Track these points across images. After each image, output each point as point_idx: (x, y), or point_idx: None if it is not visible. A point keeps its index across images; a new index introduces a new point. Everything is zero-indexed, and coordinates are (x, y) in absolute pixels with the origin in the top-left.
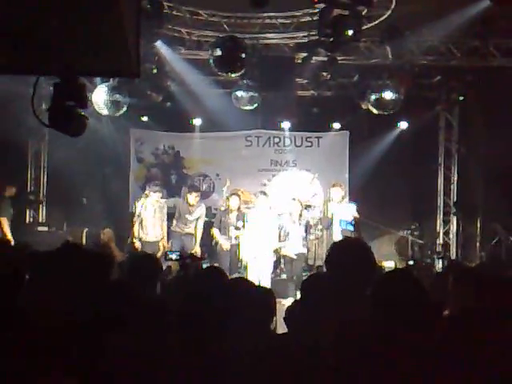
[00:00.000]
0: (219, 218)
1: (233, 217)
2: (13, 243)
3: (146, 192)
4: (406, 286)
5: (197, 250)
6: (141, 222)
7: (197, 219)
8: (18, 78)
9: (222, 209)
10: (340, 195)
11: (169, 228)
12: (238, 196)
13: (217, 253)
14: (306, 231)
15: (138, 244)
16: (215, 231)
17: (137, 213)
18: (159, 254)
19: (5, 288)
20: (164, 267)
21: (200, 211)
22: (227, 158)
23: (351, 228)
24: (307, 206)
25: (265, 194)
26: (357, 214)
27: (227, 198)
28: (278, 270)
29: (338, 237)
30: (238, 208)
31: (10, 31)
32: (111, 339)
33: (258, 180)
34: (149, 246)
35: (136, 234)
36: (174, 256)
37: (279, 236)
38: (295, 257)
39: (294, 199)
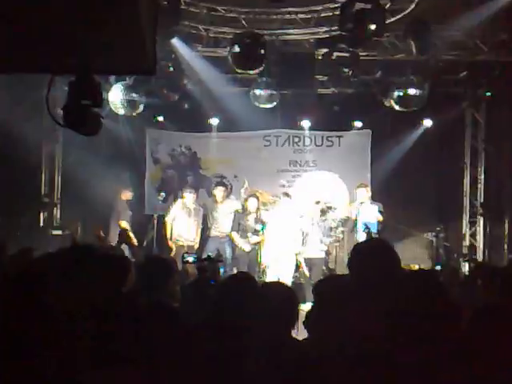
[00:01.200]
0: (237, 221)
1: (251, 219)
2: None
3: (183, 194)
4: (428, 289)
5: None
6: (174, 225)
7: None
8: (31, 77)
9: (240, 211)
10: (366, 196)
11: (206, 232)
12: (257, 197)
13: (235, 256)
14: (325, 234)
15: (172, 246)
16: (234, 234)
17: (171, 215)
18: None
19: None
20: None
21: (231, 205)
22: (245, 159)
23: (375, 230)
24: (328, 208)
25: (288, 195)
26: (380, 216)
27: (245, 200)
28: (297, 274)
29: (361, 239)
30: (257, 210)
31: (25, 29)
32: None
33: (276, 181)
34: (181, 250)
35: (169, 236)
36: (190, 258)
37: (303, 239)
38: (314, 260)
39: (318, 202)
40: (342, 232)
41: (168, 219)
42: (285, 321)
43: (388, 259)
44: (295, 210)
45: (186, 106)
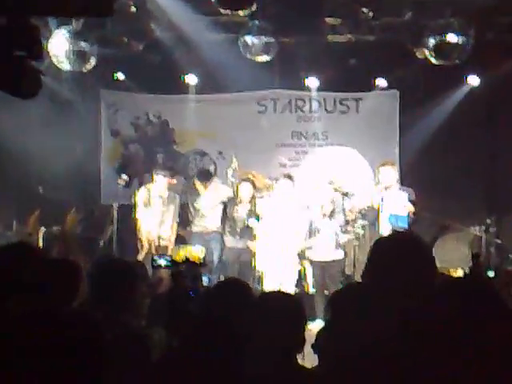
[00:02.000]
0: (223, 212)
1: (242, 210)
2: None
3: (153, 177)
4: (478, 305)
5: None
6: (143, 218)
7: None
8: None
9: (227, 199)
10: (393, 178)
11: (187, 228)
12: (252, 183)
13: (222, 258)
14: (342, 229)
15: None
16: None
17: (138, 206)
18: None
19: None
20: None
21: (218, 192)
22: (233, 130)
23: (404, 224)
24: (344, 194)
25: (289, 177)
26: (411, 206)
27: (237, 186)
28: (304, 282)
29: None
30: (251, 199)
31: None
32: None
33: (275, 159)
34: (152, 252)
35: (139, 233)
36: (163, 262)
37: (309, 234)
38: (328, 264)
39: (330, 183)
40: (363, 227)
41: (137, 214)
42: (289, 344)
43: (420, 261)
44: (299, 198)
45: (154, 59)
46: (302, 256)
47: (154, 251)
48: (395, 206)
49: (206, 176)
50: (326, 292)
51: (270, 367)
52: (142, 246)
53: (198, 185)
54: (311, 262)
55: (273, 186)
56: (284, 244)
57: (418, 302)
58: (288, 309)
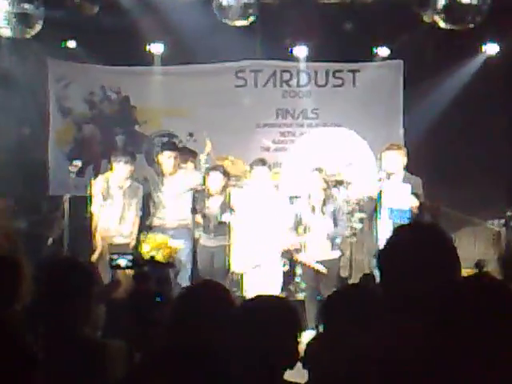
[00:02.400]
0: (195, 204)
1: (214, 204)
2: None
3: (112, 164)
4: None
5: None
6: (99, 213)
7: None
8: None
9: (195, 188)
10: (397, 165)
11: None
12: (223, 172)
13: (192, 259)
14: (336, 223)
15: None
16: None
17: (94, 198)
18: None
19: None
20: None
21: (184, 181)
22: (206, 107)
23: (405, 220)
24: (338, 183)
25: (263, 163)
26: (414, 200)
27: (204, 176)
28: (292, 287)
29: (386, 232)
30: (223, 189)
31: None
32: None
33: (256, 142)
34: (109, 250)
35: (94, 230)
36: (122, 261)
37: (298, 230)
38: (319, 265)
39: (317, 170)
40: (361, 220)
41: (93, 207)
42: (280, 359)
43: (444, 257)
44: (285, 188)
45: (112, 23)
46: (286, 255)
47: (111, 250)
48: (396, 199)
49: (173, 147)
50: (319, 297)
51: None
52: (97, 244)
53: (163, 168)
54: (301, 264)
55: (247, 174)
56: (264, 242)
57: (439, 310)
58: (281, 316)
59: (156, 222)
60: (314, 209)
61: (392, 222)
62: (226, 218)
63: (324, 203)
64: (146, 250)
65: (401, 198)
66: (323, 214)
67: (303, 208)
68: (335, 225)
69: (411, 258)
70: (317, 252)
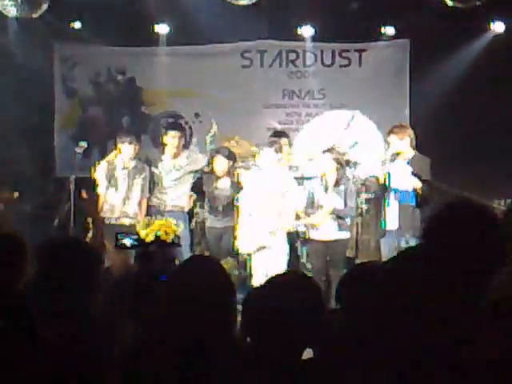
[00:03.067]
0: (200, 187)
1: (223, 185)
2: None
3: (118, 145)
4: None
5: None
6: (105, 194)
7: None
8: None
9: (199, 170)
10: (406, 145)
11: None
12: (226, 154)
13: (204, 238)
14: (345, 203)
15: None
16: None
17: (99, 179)
18: None
19: None
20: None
21: (190, 161)
22: (212, 88)
23: (411, 202)
24: (347, 163)
25: (273, 143)
26: (417, 182)
27: (211, 156)
28: (296, 267)
29: (394, 213)
30: (229, 171)
31: None
32: None
33: (262, 122)
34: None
35: (100, 211)
36: (128, 241)
37: (309, 210)
38: (328, 244)
39: (328, 151)
40: (367, 201)
41: (96, 183)
42: (304, 336)
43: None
44: (292, 168)
45: (118, 4)
46: (293, 236)
47: (117, 230)
48: (401, 180)
49: (178, 127)
50: (324, 278)
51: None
52: (101, 225)
53: (168, 148)
54: (308, 242)
55: (256, 155)
56: (271, 223)
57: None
58: (307, 293)
59: (154, 201)
60: (326, 189)
61: (398, 203)
62: (240, 200)
63: (337, 183)
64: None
65: (405, 179)
66: (336, 193)
67: (316, 188)
68: (345, 205)
69: (455, 232)
70: (327, 231)
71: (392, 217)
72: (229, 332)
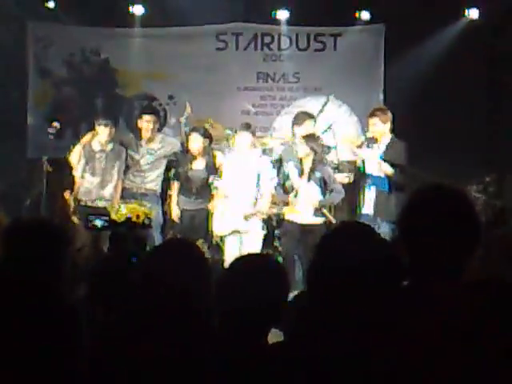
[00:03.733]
0: (175, 169)
1: (198, 166)
2: None
3: (95, 127)
4: None
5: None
6: (82, 176)
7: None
8: None
9: (173, 153)
10: (382, 129)
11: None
12: (202, 133)
13: (172, 222)
14: (324, 191)
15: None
16: (175, 187)
17: (75, 161)
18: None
19: None
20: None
21: (164, 145)
22: (187, 70)
23: (384, 187)
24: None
25: (247, 127)
26: (389, 169)
27: (186, 136)
28: (270, 250)
29: (371, 198)
30: (204, 151)
31: None
32: None
33: (237, 105)
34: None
35: (75, 193)
36: (98, 222)
37: (283, 193)
38: (303, 228)
39: (304, 137)
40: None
41: (72, 166)
42: (269, 316)
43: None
44: (264, 152)
45: None
46: (265, 220)
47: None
48: (375, 165)
49: (153, 111)
50: (296, 257)
51: (235, 348)
52: (75, 207)
53: (142, 132)
54: (282, 223)
55: (233, 138)
56: (247, 206)
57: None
58: (272, 273)
59: (128, 184)
60: (302, 173)
61: (374, 188)
62: (215, 181)
63: (312, 170)
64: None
65: (377, 165)
66: (310, 180)
67: (292, 172)
68: (323, 192)
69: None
70: (302, 215)
71: (368, 201)
72: (205, 318)
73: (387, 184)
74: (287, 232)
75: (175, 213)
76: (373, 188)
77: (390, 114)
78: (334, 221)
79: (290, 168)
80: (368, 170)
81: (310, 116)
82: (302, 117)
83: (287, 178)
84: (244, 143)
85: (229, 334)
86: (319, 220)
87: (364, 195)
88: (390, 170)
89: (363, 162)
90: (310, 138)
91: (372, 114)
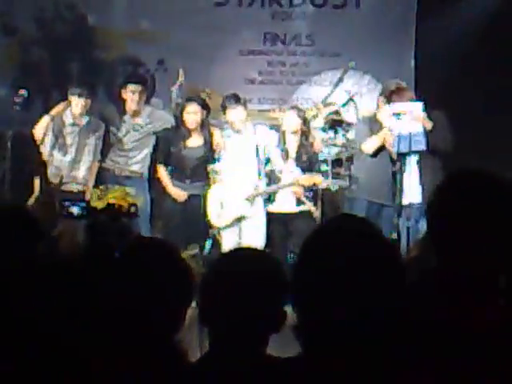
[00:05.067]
0: (167, 146)
1: (194, 143)
2: None
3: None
4: None
5: None
6: (50, 154)
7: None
8: None
9: (163, 129)
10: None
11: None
12: (201, 103)
13: (165, 210)
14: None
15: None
16: (161, 170)
17: (43, 135)
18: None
19: None
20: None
21: (152, 119)
22: (180, 30)
23: (421, 145)
24: (336, 123)
25: (237, 99)
26: (428, 122)
27: (181, 108)
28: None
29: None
30: (202, 126)
31: None
32: None
33: (239, 72)
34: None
35: (43, 174)
36: (75, 210)
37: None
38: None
39: (292, 108)
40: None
41: (38, 140)
42: (265, 322)
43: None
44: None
45: None
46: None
47: (62, 197)
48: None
49: (140, 79)
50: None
51: (232, 358)
52: (45, 189)
53: (127, 103)
54: (268, 215)
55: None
56: (249, 188)
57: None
58: (268, 273)
59: (109, 164)
60: (287, 157)
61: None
62: (216, 166)
63: (298, 150)
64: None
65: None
66: (295, 162)
67: (275, 156)
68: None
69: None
70: (284, 203)
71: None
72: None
73: (426, 143)
74: (275, 227)
75: (178, 194)
76: (414, 170)
77: (411, 92)
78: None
79: (272, 153)
80: (402, 148)
81: None
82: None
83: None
84: (237, 120)
85: (221, 348)
86: (305, 207)
87: (402, 180)
88: (429, 123)
89: (399, 138)
90: (296, 108)
91: (388, 99)
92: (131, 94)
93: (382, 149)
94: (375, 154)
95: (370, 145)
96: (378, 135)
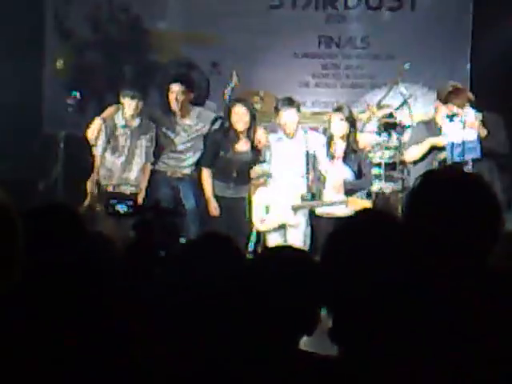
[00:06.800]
0: (215, 149)
1: (242, 147)
2: None
3: (121, 99)
4: None
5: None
6: (102, 156)
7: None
8: None
9: (210, 130)
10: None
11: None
12: (247, 105)
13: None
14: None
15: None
16: (205, 174)
17: (96, 138)
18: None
19: None
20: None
21: (202, 120)
22: (233, 33)
23: (476, 153)
24: (389, 126)
25: (291, 103)
26: (484, 129)
27: (229, 109)
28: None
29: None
30: (249, 129)
31: None
32: None
33: (294, 74)
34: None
35: (96, 175)
36: (121, 208)
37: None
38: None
39: (337, 110)
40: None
41: (94, 150)
42: (299, 322)
43: (484, 208)
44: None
45: None
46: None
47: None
48: (456, 130)
49: (181, 80)
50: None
51: (266, 356)
52: (95, 192)
53: (171, 97)
54: (312, 218)
55: (278, 116)
56: (295, 196)
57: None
58: (305, 274)
59: (161, 167)
60: (333, 157)
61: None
62: (263, 166)
63: (346, 151)
64: None
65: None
66: (344, 164)
67: (320, 155)
68: (359, 176)
69: (446, 204)
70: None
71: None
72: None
73: (480, 150)
74: (318, 227)
75: (214, 206)
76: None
77: (468, 94)
78: None
79: (318, 152)
80: (456, 157)
81: None
82: None
83: (314, 164)
84: (289, 123)
85: (254, 338)
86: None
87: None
88: (483, 130)
89: (452, 145)
90: (342, 110)
91: (445, 101)
92: (173, 95)
93: (424, 157)
94: (416, 163)
95: (411, 154)
96: (421, 144)
